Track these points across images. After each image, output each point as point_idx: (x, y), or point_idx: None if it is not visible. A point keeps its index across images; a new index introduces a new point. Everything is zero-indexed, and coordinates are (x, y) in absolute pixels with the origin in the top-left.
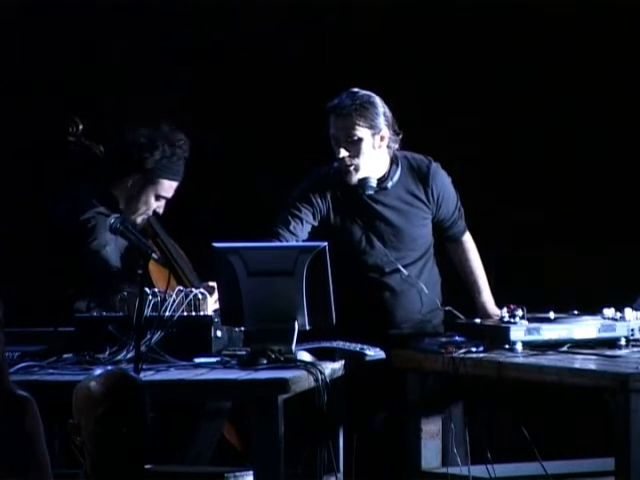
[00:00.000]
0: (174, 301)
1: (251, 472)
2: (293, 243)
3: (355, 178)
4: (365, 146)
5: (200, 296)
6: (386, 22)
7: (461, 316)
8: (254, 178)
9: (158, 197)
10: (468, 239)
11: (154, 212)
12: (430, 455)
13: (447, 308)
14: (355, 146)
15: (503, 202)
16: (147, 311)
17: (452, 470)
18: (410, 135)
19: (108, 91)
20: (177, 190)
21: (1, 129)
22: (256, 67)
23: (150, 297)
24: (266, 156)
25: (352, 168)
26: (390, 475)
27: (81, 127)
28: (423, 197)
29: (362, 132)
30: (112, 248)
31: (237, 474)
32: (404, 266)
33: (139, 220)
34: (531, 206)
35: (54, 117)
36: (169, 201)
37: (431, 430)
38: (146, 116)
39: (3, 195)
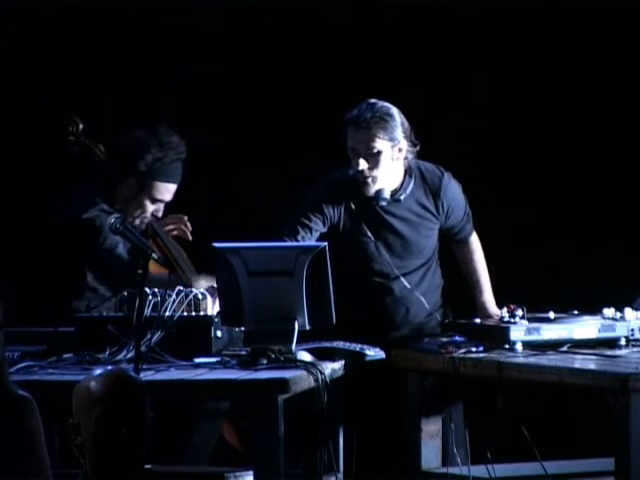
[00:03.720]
0: (174, 301)
1: (251, 472)
2: (293, 243)
3: (373, 190)
4: (384, 158)
5: (200, 296)
6: (388, 22)
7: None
8: (254, 179)
9: (154, 200)
10: (475, 240)
11: (154, 215)
12: (430, 455)
13: (447, 320)
14: (374, 158)
15: (503, 202)
16: (147, 311)
17: (452, 470)
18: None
19: (108, 91)
20: (177, 190)
21: (1, 129)
22: (255, 67)
23: (150, 297)
24: (266, 157)
25: (370, 180)
26: (390, 475)
27: (81, 127)
28: (432, 209)
29: (382, 145)
30: (123, 247)
31: (237, 474)
32: (407, 273)
33: (137, 222)
34: (531, 206)
35: (54, 117)
36: (170, 203)
37: (431, 430)
38: (145, 116)
39: (3, 195)
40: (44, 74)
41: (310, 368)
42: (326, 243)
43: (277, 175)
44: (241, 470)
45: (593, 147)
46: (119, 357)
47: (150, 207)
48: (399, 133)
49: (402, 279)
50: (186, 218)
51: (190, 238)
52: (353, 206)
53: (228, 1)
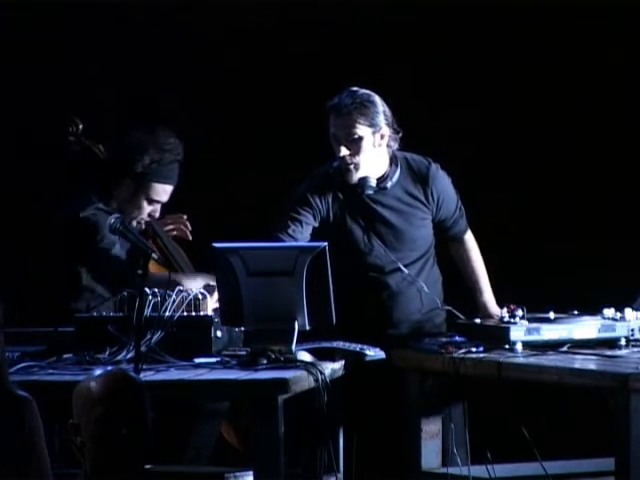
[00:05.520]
0: (174, 301)
1: (251, 472)
2: (293, 243)
3: (355, 177)
4: (365, 144)
5: (200, 296)
6: (383, 18)
7: (461, 315)
8: (254, 179)
9: (151, 201)
10: (470, 238)
11: (151, 216)
12: (430, 455)
13: (447, 308)
14: (355, 145)
15: (503, 201)
16: (147, 311)
17: (452, 470)
18: (408, 133)
19: (108, 91)
20: (176, 191)
21: (1, 129)
22: (255, 68)
23: (150, 297)
24: (266, 157)
25: (352, 167)
26: (390, 475)
27: (81, 127)
28: (422, 198)
29: (362, 130)
30: (121, 245)
31: (237, 474)
32: (404, 266)
33: (134, 224)
34: (531, 206)
35: (54, 117)
36: (169, 204)
37: (431, 430)
38: (145, 116)
39: (3, 195)
40: (44, 74)
41: (310, 368)
42: (326, 243)
43: (277, 175)
44: (241, 470)
45: (593, 145)
46: (119, 357)
47: (147, 208)
48: (380, 119)
49: (402, 268)
50: (185, 217)
51: (190, 238)
52: (341, 197)
53: (228, 1)
